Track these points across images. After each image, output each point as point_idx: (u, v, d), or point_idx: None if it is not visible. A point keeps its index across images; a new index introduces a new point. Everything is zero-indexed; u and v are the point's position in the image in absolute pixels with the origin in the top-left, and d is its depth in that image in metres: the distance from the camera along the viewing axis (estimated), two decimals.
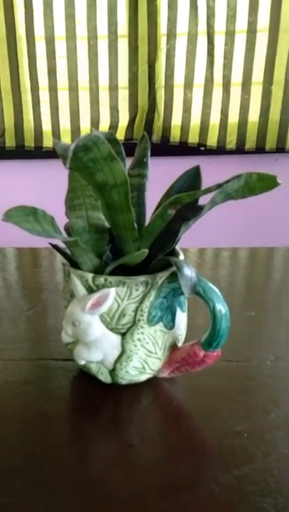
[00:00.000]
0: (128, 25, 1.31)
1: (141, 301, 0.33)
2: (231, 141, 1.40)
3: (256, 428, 0.33)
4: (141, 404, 0.36)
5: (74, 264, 0.35)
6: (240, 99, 1.37)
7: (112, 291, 0.33)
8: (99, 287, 0.33)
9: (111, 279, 0.33)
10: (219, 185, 0.33)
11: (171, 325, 0.35)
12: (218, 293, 0.33)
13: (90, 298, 0.33)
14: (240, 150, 1.40)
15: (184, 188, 0.40)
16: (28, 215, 0.27)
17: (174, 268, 0.34)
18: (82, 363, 0.36)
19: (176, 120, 1.39)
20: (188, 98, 1.37)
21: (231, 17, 1.30)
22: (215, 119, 1.38)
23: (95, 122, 1.38)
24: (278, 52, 1.31)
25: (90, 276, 0.33)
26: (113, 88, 1.36)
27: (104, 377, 0.36)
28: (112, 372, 0.35)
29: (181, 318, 0.37)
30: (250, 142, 1.40)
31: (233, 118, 1.38)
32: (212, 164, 1.50)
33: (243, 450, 0.31)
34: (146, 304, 0.33)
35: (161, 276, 0.33)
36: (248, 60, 1.34)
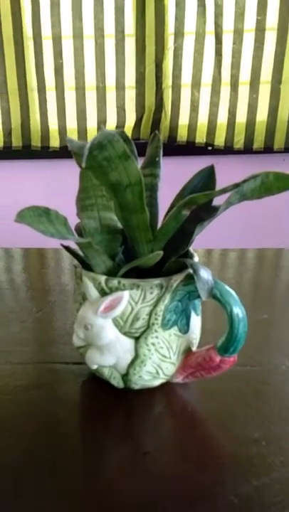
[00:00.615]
0: (135, 25, 1.30)
1: (155, 305, 0.32)
2: (239, 141, 1.38)
3: (273, 435, 0.32)
4: (154, 410, 0.35)
5: (86, 266, 0.34)
6: (248, 98, 1.35)
7: (126, 294, 0.32)
8: (112, 290, 0.32)
9: (124, 281, 0.32)
10: (236, 185, 0.32)
11: (185, 329, 0.34)
12: (236, 296, 0.32)
13: (103, 301, 0.32)
14: (248, 150, 1.39)
15: (198, 187, 0.39)
16: (41, 216, 0.27)
17: (189, 270, 0.33)
18: (95, 367, 0.35)
19: (184, 120, 1.38)
20: (196, 97, 1.36)
21: (239, 15, 1.28)
22: (222, 118, 1.37)
23: (101, 122, 1.37)
24: (287, 50, 1.30)
25: (102, 278, 0.32)
26: (120, 88, 1.35)
27: (117, 382, 0.35)
28: (125, 377, 0.34)
29: (196, 321, 0.36)
30: (258, 142, 1.39)
31: (241, 117, 1.37)
32: (219, 164, 1.48)
33: (261, 459, 0.30)
34: (161, 307, 0.32)
35: (176, 279, 0.32)
36: (256, 59, 1.33)
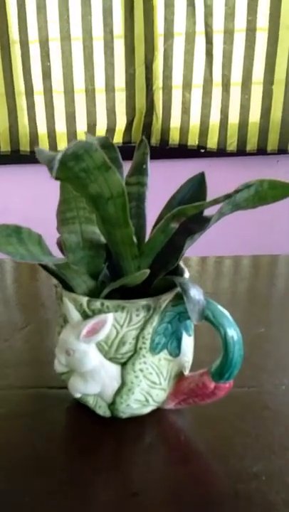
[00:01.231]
0: (124, 25, 1.28)
1: (142, 328, 0.29)
2: (232, 143, 1.36)
3: (275, 468, 0.29)
4: (145, 440, 0.32)
5: (66, 285, 0.31)
6: (240, 99, 1.33)
7: (110, 317, 0.29)
8: (95, 312, 0.29)
9: (108, 303, 0.29)
10: (228, 196, 0.29)
11: (176, 352, 0.31)
12: (229, 317, 0.29)
13: (85, 324, 0.29)
14: (241, 152, 1.37)
15: (188, 197, 0.36)
16: (10, 236, 0.24)
17: (178, 289, 0.30)
18: (78, 395, 0.32)
19: (175, 122, 1.36)
20: (187, 99, 1.34)
21: (230, 15, 1.26)
22: (215, 120, 1.35)
23: (91, 125, 1.34)
24: (279, 50, 1.28)
25: (84, 300, 0.29)
26: (110, 90, 1.32)
27: (103, 412, 0.32)
28: (112, 406, 0.31)
29: (188, 342, 0.33)
30: (252, 143, 1.37)
31: (234, 119, 1.35)
32: (212, 167, 1.47)
33: (262, 496, 0.27)
34: (149, 330, 0.29)
35: (165, 299, 0.30)
36: (247, 59, 1.30)
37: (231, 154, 1.37)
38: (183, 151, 1.38)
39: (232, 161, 1.42)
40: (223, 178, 1.50)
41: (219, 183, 1.57)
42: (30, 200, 1.43)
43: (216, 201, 0.29)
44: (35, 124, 1.33)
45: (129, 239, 0.30)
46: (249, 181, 0.32)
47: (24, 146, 1.35)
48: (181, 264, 0.34)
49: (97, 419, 0.33)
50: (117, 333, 0.29)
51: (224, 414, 0.34)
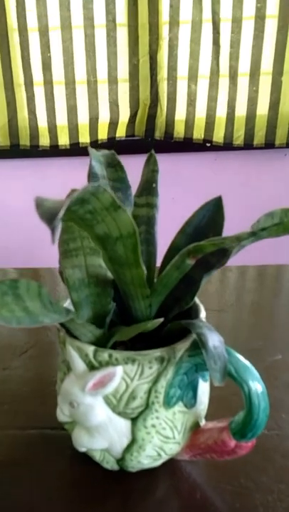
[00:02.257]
0: (127, 13, 1.22)
1: (155, 381, 0.26)
2: (239, 137, 1.31)
3: None
4: (156, 493, 0.30)
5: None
6: (247, 91, 1.28)
7: (119, 370, 0.26)
8: (102, 364, 0.26)
9: (117, 354, 0.26)
10: (253, 234, 0.26)
11: (192, 403, 0.28)
12: (253, 369, 0.26)
13: (92, 377, 0.26)
14: (248, 145, 1.32)
15: (204, 223, 0.33)
16: (5, 295, 0.20)
17: (194, 336, 0.27)
18: (83, 450, 0.29)
19: (180, 115, 1.31)
20: (193, 91, 1.29)
21: (238, 2, 1.20)
22: (221, 113, 1.30)
23: (93, 118, 1.30)
24: None
25: (90, 350, 0.26)
26: (112, 81, 1.27)
27: (111, 466, 0.29)
28: (120, 461, 0.29)
29: (204, 389, 0.30)
30: (259, 137, 1.32)
31: (241, 112, 1.30)
32: (218, 161, 1.42)
33: None
34: (162, 383, 0.26)
35: (180, 348, 0.26)
36: (256, 49, 1.25)
37: (238, 148, 1.33)
38: (188, 145, 1.33)
39: (238, 155, 1.37)
40: (229, 173, 1.46)
41: (225, 178, 1.53)
42: (31, 195, 1.39)
43: (238, 238, 0.26)
44: (35, 117, 1.29)
45: (140, 280, 0.27)
46: (272, 210, 0.29)
47: (24, 140, 1.30)
48: (197, 301, 0.31)
49: (104, 469, 0.30)
50: (127, 386, 0.26)
51: (242, 465, 0.31)
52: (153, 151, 0.38)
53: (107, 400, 0.27)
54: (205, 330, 0.25)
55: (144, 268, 0.26)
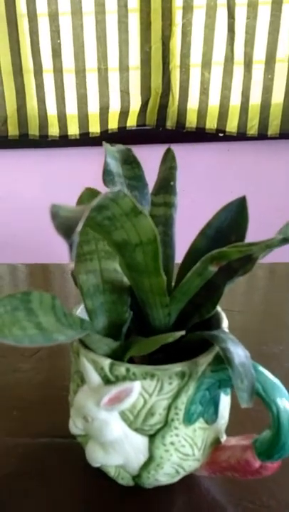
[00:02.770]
0: None
1: (175, 397, 0.25)
2: (253, 126, 1.28)
3: None
4: (172, 510, 0.28)
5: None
6: (262, 79, 1.24)
7: (137, 385, 0.24)
8: (119, 379, 0.24)
9: (135, 369, 0.24)
10: (285, 240, 0.24)
11: (213, 418, 0.27)
12: (281, 387, 0.24)
13: (107, 392, 0.24)
14: (262, 136, 1.28)
15: (226, 224, 0.31)
16: (16, 310, 0.19)
17: (217, 348, 0.25)
18: (97, 465, 0.27)
19: (193, 103, 1.27)
20: (206, 79, 1.25)
21: None
22: (235, 101, 1.26)
23: (104, 107, 1.27)
24: None
25: (106, 363, 0.24)
26: (123, 69, 1.24)
27: (126, 483, 0.28)
28: (137, 478, 0.27)
29: (225, 402, 0.28)
30: (274, 127, 1.28)
31: (255, 100, 1.26)
32: (231, 151, 1.39)
33: None
34: (183, 399, 0.25)
35: (203, 363, 0.25)
36: (272, 35, 1.21)
37: (252, 138, 1.29)
38: (200, 135, 1.30)
39: (252, 146, 1.34)
40: (243, 164, 1.42)
41: (239, 170, 1.49)
42: (40, 186, 1.38)
43: (268, 245, 0.24)
44: (45, 105, 1.26)
45: (159, 288, 0.25)
46: None
47: (33, 130, 1.28)
48: (219, 309, 0.29)
49: (119, 484, 0.29)
50: (145, 402, 0.25)
51: (264, 482, 0.29)
52: (171, 148, 0.36)
53: (123, 416, 0.25)
54: (230, 344, 0.23)
55: (164, 276, 0.24)
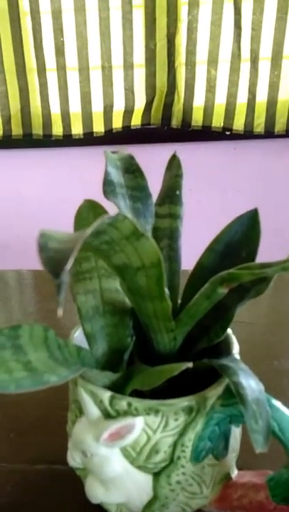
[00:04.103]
0: None
1: (182, 434, 0.22)
2: (259, 124, 1.25)
3: None
4: None
5: None
6: (269, 76, 1.21)
7: (139, 421, 0.22)
8: (120, 413, 0.22)
9: (137, 403, 0.22)
10: None
11: (223, 453, 0.24)
12: None
13: (107, 427, 0.22)
14: (268, 133, 1.26)
15: (236, 240, 0.28)
16: (2, 349, 0.17)
17: (228, 380, 0.23)
18: (97, 502, 0.25)
19: (199, 101, 1.25)
20: (213, 76, 1.22)
21: None
22: (242, 99, 1.23)
23: (108, 106, 1.24)
24: None
25: (106, 396, 0.22)
26: (128, 67, 1.22)
27: None
28: None
29: (236, 434, 0.26)
30: (280, 124, 1.25)
31: (261, 97, 1.23)
32: (237, 150, 1.36)
33: None
34: (190, 436, 0.23)
35: (212, 396, 0.22)
36: (278, 31, 1.18)
37: (259, 136, 1.26)
38: (206, 134, 1.27)
39: (258, 144, 1.31)
40: (250, 162, 1.40)
41: (246, 168, 1.46)
42: (44, 185, 1.36)
43: (285, 268, 0.21)
44: (48, 104, 1.24)
45: (164, 314, 0.23)
46: None
47: (37, 130, 1.26)
48: (230, 332, 0.27)
49: None
50: (149, 439, 0.22)
51: None
52: (176, 153, 0.33)
53: (125, 452, 0.23)
54: (242, 377, 0.21)
55: (169, 301, 0.22)
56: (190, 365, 0.21)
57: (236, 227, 0.28)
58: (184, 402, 0.22)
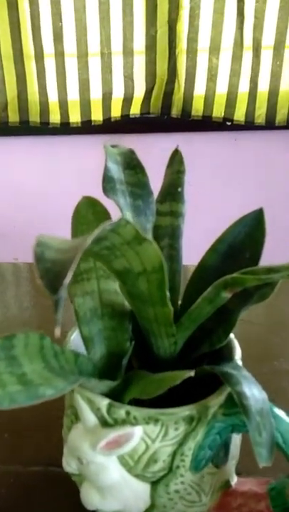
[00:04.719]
0: None
1: (182, 443, 0.22)
2: (260, 115, 1.23)
3: None
4: None
5: None
6: (271, 65, 1.19)
7: (138, 431, 0.21)
8: (118, 422, 0.22)
9: (136, 412, 0.21)
10: None
11: (223, 461, 0.24)
12: None
13: (105, 435, 0.22)
14: (269, 123, 1.24)
15: (239, 240, 0.28)
16: None
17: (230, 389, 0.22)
18: (92, 509, 0.25)
19: (199, 90, 1.23)
20: (214, 65, 1.20)
21: None
22: (243, 89, 1.21)
23: (106, 93, 1.22)
24: None
25: (103, 404, 0.22)
26: (128, 54, 1.19)
27: None
28: None
29: (236, 441, 0.25)
30: (281, 115, 1.24)
31: (263, 87, 1.21)
32: (238, 141, 1.34)
33: None
34: (190, 445, 0.22)
35: (213, 405, 0.22)
36: (281, 20, 1.16)
37: (260, 128, 1.25)
38: (207, 124, 1.25)
39: (259, 135, 1.29)
40: (249, 153, 1.38)
41: (246, 159, 1.44)
42: (41, 174, 1.34)
43: None
44: (46, 91, 1.22)
45: (165, 319, 0.22)
46: None
47: (34, 117, 1.24)
48: (232, 337, 0.26)
49: None
50: (147, 448, 0.22)
51: None
52: (178, 147, 0.32)
53: (122, 460, 0.22)
54: (245, 386, 0.20)
55: (170, 306, 0.21)
56: (192, 373, 0.20)
57: (240, 227, 0.28)
58: (184, 411, 0.21)
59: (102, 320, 0.25)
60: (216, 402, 0.22)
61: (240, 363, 0.24)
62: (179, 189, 0.30)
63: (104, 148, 0.29)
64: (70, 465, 0.24)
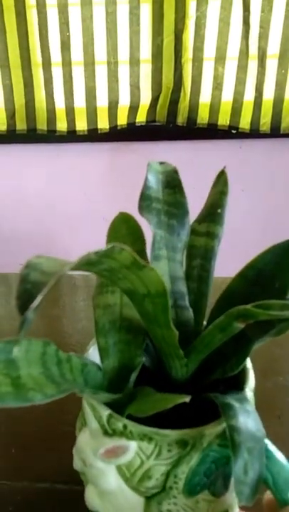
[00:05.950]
0: None
1: (175, 465, 0.22)
2: (265, 123, 1.24)
3: None
4: None
5: None
6: (276, 74, 1.20)
7: (132, 446, 0.22)
8: (116, 433, 0.22)
9: (132, 427, 0.22)
10: None
11: (222, 491, 0.24)
12: None
13: (104, 443, 0.22)
14: (274, 132, 1.24)
15: (269, 268, 0.27)
16: None
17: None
18: (93, 510, 0.25)
19: (205, 99, 1.23)
20: (220, 73, 1.21)
21: None
22: (249, 97, 1.22)
23: (113, 101, 1.23)
24: None
25: (104, 414, 0.22)
26: (134, 63, 1.20)
27: None
28: None
29: None
30: (286, 123, 1.24)
31: (268, 96, 1.22)
32: (243, 149, 1.35)
33: None
34: (184, 469, 0.22)
35: (209, 434, 0.22)
36: (286, 29, 1.16)
37: (265, 136, 1.25)
38: (212, 132, 1.26)
39: (264, 143, 1.30)
40: (254, 162, 1.38)
41: (251, 167, 1.45)
42: (48, 181, 1.35)
43: None
44: (53, 99, 1.23)
45: (172, 340, 0.22)
46: None
47: (41, 125, 1.25)
48: (248, 365, 0.26)
49: None
50: (142, 463, 0.22)
51: None
52: (225, 169, 0.32)
53: (120, 471, 0.23)
54: (241, 421, 0.20)
55: (175, 330, 0.22)
56: (187, 399, 0.20)
57: (270, 255, 0.27)
58: (178, 435, 0.22)
59: (119, 333, 0.25)
60: (211, 431, 0.22)
61: (249, 394, 0.24)
62: (219, 210, 0.30)
63: (148, 166, 0.29)
64: (77, 464, 0.25)
